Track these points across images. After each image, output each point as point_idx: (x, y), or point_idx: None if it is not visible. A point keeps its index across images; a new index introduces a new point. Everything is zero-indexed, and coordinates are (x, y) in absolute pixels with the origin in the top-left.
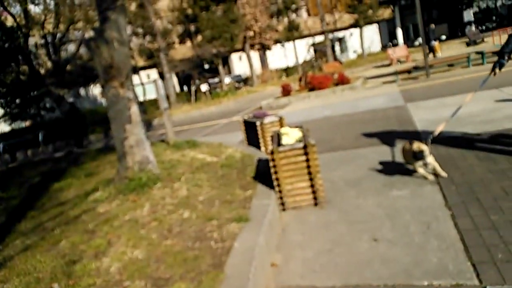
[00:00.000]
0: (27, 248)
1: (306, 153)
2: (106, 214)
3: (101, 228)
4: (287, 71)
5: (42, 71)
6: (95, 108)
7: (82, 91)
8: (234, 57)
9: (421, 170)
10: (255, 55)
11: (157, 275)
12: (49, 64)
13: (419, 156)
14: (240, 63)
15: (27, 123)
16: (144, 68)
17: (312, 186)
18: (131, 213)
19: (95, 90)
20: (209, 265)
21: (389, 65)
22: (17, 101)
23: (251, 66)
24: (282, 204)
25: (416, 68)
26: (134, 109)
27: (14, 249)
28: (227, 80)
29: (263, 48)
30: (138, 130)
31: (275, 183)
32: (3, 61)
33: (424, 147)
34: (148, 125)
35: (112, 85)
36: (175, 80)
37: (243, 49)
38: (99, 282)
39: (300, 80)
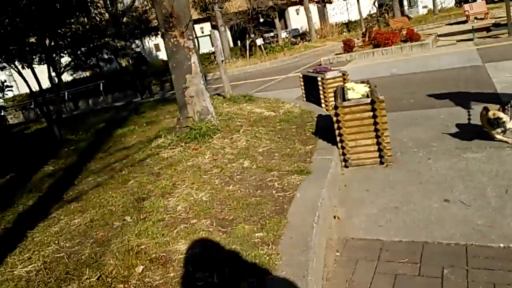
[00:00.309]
0: (99, 185)
1: (373, 109)
2: (169, 159)
3: (166, 171)
4: (349, 26)
5: (100, 23)
6: (151, 61)
7: (138, 43)
8: (291, 10)
9: (498, 136)
10: (313, 8)
11: (221, 216)
12: (106, 15)
13: (495, 123)
14: (297, 17)
15: (87, 74)
16: (198, 21)
17: (378, 144)
18: (193, 159)
19: (151, 43)
20: (271, 211)
21: (464, 22)
22: (79, 51)
23: (309, 20)
24: (345, 160)
25: (496, 26)
26: (194, 59)
27: (88, 185)
28: (283, 34)
29: (323, 1)
30: (198, 80)
31: (338, 139)
32: (64, 12)
33: (502, 115)
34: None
35: (172, 34)
36: (229, 34)
37: (301, 2)
38: (167, 218)
39: (363, 35)
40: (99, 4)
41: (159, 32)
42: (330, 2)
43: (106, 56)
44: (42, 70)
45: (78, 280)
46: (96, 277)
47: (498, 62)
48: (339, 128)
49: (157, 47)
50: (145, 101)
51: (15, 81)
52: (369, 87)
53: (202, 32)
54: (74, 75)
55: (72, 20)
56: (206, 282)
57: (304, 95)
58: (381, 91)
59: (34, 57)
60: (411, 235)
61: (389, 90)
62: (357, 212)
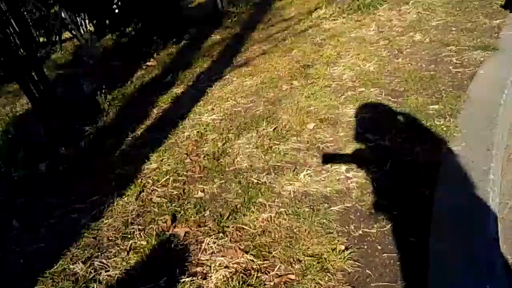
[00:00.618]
0: (264, 53)
1: None
2: (331, 30)
3: (328, 42)
4: None
5: None
6: None
7: None
8: None
9: None
10: None
11: (390, 87)
12: None
13: None
14: None
15: None
16: None
17: None
18: (357, 31)
19: None
20: (448, 86)
21: None
22: None
23: None
24: None
25: None
26: None
27: (254, 53)
28: None
29: None
30: None
31: None
32: None
33: None
34: None
35: None
36: None
37: None
38: (334, 85)
39: None
40: None
41: None
42: None
43: None
44: None
45: (256, 129)
46: (272, 129)
47: None
48: None
49: None
50: None
51: None
52: None
53: None
54: None
55: None
56: (377, 144)
57: None
58: None
59: None
60: None
61: None
62: None
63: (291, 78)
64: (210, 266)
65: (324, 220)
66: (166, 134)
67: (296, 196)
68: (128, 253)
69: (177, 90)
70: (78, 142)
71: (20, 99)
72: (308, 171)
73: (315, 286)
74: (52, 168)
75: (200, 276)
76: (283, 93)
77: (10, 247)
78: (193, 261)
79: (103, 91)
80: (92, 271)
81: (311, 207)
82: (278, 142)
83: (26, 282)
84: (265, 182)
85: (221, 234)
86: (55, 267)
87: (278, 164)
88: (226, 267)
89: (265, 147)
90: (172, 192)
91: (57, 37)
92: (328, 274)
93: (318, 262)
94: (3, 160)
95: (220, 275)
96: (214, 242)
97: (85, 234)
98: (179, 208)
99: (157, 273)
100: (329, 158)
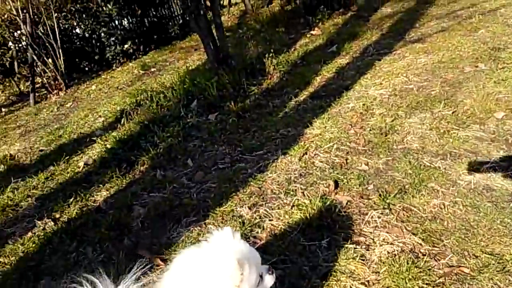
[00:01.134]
0: (443, 30)
1: None
2: None
3: None
4: None
5: None
6: None
7: None
8: None
9: None
10: None
11: None
12: None
13: None
14: None
15: None
16: None
17: None
18: None
19: None
20: None
21: None
22: None
23: None
24: None
25: None
26: None
27: (431, 29)
28: None
29: None
30: None
31: None
32: None
33: None
34: None
35: None
36: None
37: None
38: None
39: None
40: None
41: None
42: None
43: None
44: None
45: (430, 110)
46: (450, 112)
47: None
48: None
49: None
50: None
51: None
52: None
53: None
54: None
55: None
56: None
57: None
58: None
59: None
60: None
61: None
62: None
63: (476, 60)
64: (373, 239)
65: (509, 220)
66: (329, 103)
67: (476, 188)
68: (291, 208)
69: (342, 60)
70: (245, 99)
71: (191, 55)
72: (492, 164)
73: (492, 286)
74: (221, 120)
75: (363, 246)
76: (465, 75)
77: (186, 181)
78: (356, 230)
79: (270, 55)
80: (257, 217)
81: (494, 203)
82: (457, 127)
83: (199, 213)
84: (439, 167)
85: (386, 211)
86: (224, 207)
87: (455, 150)
88: (391, 244)
89: (441, 131)
90: (335, 159)
91: (227, 0)
92: (510, 277)
93: (498, 262)
94: (182, 105)
95: (384, 250)
96: (379, 217)
97: (251, 183)
98: (342, 176)
99: (319, 233)
100: None
